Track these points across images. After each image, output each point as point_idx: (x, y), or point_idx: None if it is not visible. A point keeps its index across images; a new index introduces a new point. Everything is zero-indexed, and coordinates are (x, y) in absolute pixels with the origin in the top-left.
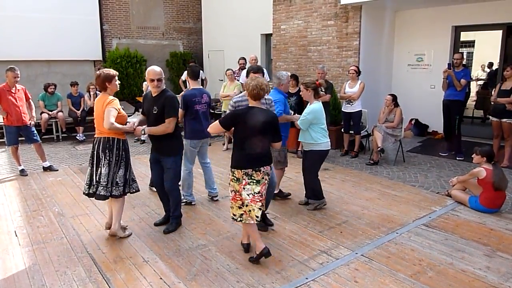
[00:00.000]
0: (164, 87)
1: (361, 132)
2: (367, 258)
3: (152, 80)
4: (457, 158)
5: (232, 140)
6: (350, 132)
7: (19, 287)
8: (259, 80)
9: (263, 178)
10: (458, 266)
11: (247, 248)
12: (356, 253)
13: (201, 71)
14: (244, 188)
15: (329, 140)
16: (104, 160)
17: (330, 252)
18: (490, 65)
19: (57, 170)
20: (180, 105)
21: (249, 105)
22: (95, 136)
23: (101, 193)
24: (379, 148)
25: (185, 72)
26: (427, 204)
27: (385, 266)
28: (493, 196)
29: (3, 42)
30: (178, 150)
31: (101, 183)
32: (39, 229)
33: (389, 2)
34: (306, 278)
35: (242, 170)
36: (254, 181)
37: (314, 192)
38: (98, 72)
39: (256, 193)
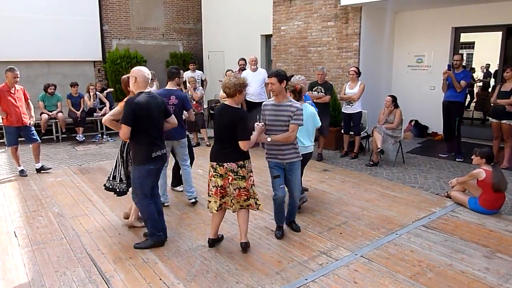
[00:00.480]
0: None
1: (361, 133)
2: (367, 259)
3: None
4: (457, 160)
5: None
6: (350, 133)
7: (19, 287)
8: (227, 79)
9: (225, 173)
10: (457, 267)
11: (211, 243)
12: (356, 254)
13: (201, 73)
14: (231, 184)
15: (313, 143)
16: (123, 160)
17: (330, 253)
18: (487, 66)
19: (50, 168)
20: None
21: (223, 103)
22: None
23: (123, 190)
24: (379, 149)
25: (185, 73)
26: (427, 205)
27: (384, 267)
28: (493, 198)
29: (3, 43)
30: (142, 158)
31: (123, 181)
32: (38, 229)
33: (389, 3)
34: (306, 279)
35: (210, 162)
36: (240, 177)
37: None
38: (124, 76)
39: (242, 189)
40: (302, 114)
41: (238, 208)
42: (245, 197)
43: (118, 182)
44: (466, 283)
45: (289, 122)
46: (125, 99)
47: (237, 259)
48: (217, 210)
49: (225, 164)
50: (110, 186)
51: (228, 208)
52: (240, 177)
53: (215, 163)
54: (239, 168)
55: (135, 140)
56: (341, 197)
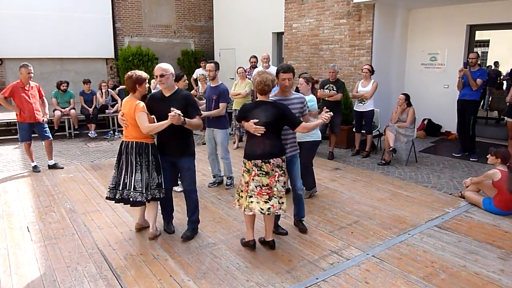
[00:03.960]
0: (174, 84)
1: (373, 131)
2: (378, 259)
3: (156, 77)
4: (471, 159)
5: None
6: (362, 131)
7: (31, 282)
8: (264, 76)
9: (272, 170)
10: (471, 269)
11: (253, 245)
12: (367, 254)
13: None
14: (253, 179)
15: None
16: (138, 165)
17: (341, 253)
18: (495, 64)
19: (62, 168)
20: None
21: (257, 99)
22: (123, 140)
23: (137, 200)
24: (391, 148)
25: (197, 71)
26: (440, 205)
27: (396, 267)
28: (508, 199)
29: (17, 40)
30: (194, 149)
31: (137, 189)
32: (51, 225)
33: (402, 0)
34: (317, 278)
35: (253, 161)
36: (263, 172)
37: (311, 181)
38: (130, 73)
39: (264, 186)
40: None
41: (258, 210)
42: (267, 196)
43: (132, 190)
44: (480, 285)
45: (304, 113)
46: (137, 103)
47: (247, 257)
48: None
49: (271, 160)
50: (121, 197)
51: (240, 207)
52: (264, 172)
53: (260, 161)
54: (263, 164)
55: (188, 133)
56: (352, 196)
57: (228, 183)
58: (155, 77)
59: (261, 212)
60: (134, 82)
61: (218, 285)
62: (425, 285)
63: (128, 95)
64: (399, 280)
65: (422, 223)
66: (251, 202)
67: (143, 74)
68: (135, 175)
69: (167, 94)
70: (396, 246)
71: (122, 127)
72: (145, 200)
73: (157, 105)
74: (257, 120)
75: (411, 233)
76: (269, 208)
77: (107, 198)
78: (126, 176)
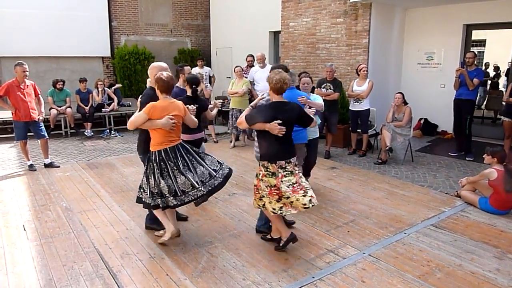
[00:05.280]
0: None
1: (369, 131)
2: (375, 258)
3: None
4: (467, 159)
5: (256, 135)
6: (358, 130)
7: (27, 281)
8: (282, 74)
9: (294, 169)
10: (467, 268)
11: (279, 241)
12: (364, 253)
13: (209, 69)
14: (282, 181)
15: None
16: (194, 161)
17: (337, 252)
18: (486, 65)
19: (58, 167)
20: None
21: (273, 100)
22: (166, 147)
23: (216, 184)
24: (387, 147)
25: (193, 69)
26: (436, 204)
27: (392, 266)
28: (504, 198)
29: (12, 39)
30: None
31: (205, 182)
32: (47, 223)
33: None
34: (313, 277)
35: (278, 163)
36: (289, 172)
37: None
38: (168, 75)
39: (295, 184)
40: None
41: (302, 206)
42: (302, 191)
43: (201, 186)
44: (476, 284)
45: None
46: (180, 102)
47: (244, 256)
48: (280, 211)
49: (291, 159)
50: (188, 200)
51: (289, 212)
52: (289, 172)
53: (284, 162)
54: (286, 164)
55: None
56: (349, 195)
57: None
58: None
59: (305, 207)
60: (174, 84)
61: (215, 284)
62: (421, 284)
63: (125, 95)
64: (395, 279)
65: (418, 222)
66: (291, 202)
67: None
68: (197, 171)
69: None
70: (392, 245)
71: (118, 125)
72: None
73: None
74: (281, 121)
75: (407, 232)
76: (310, 200)
77: (168, 207)
78: (190, 175)
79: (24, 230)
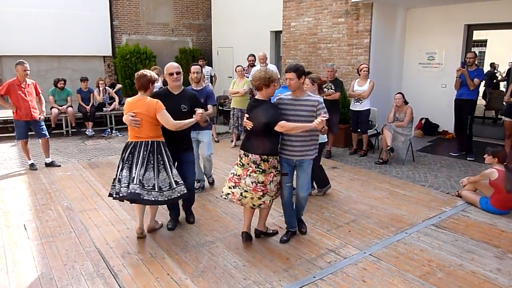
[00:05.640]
0: None
1: (370, 131)
2: (376, 258)
3: (171, 74)
4: (468, 159)
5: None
6: (358, 130)
7: (28, 280)
8: (265, 73)
9: (269, 169)
10: (468, 268)
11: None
12: (365, 253)
13: (210, 69)
14: (249, 175)
15: None
16: (160, 165)
17: (338, 251)
18: (490, 65)
19: (59, 166)
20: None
21: (255, 97)
22: (131, 140)
23: (173, 197)
24: (388, 147)
25: None
26: (437, 204)
27: (393, 266)
28: (505, 198)
29: (14, 38)
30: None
31: (163, 189)
32: (48, 223)
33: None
34: (314, 277)
35: (250, 156)
36: (261, 170)
37: (321, 181)
38: (144, 71)
39: (259, 183)
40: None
41: (250, 206)
42: (261, 193)
43: (158, 191)
44: (476, 283)
45: (315, 115)
46: (156, 101)
47: (245, 255)
48: (226, 197)
49: (250, 154)
50: (137, 197)
51: (234, 201)
52: (261, 170)
53: (259, 157)
54: (261, 162)
55: (190, 130)
56: (349, 195)
57: (210, 181)
58: (168, 74)
59: (251, 208)
60: (149, 80)
61: (216, 283)
62: (422, 284)
63: (126, 94)
64: (396, 279)
65: (419, 222)
66: (245, 197)
67: (154, 74)
68: (158, 175)
69: (176, 92)
70: (393, 245)
71: (119, 125)
72: (167, 199)
73: (166, 103)
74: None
75: (408, 232)
76: (260, 205)
77: (115, 197)
78: (148, 173)
79: (25, 229)
